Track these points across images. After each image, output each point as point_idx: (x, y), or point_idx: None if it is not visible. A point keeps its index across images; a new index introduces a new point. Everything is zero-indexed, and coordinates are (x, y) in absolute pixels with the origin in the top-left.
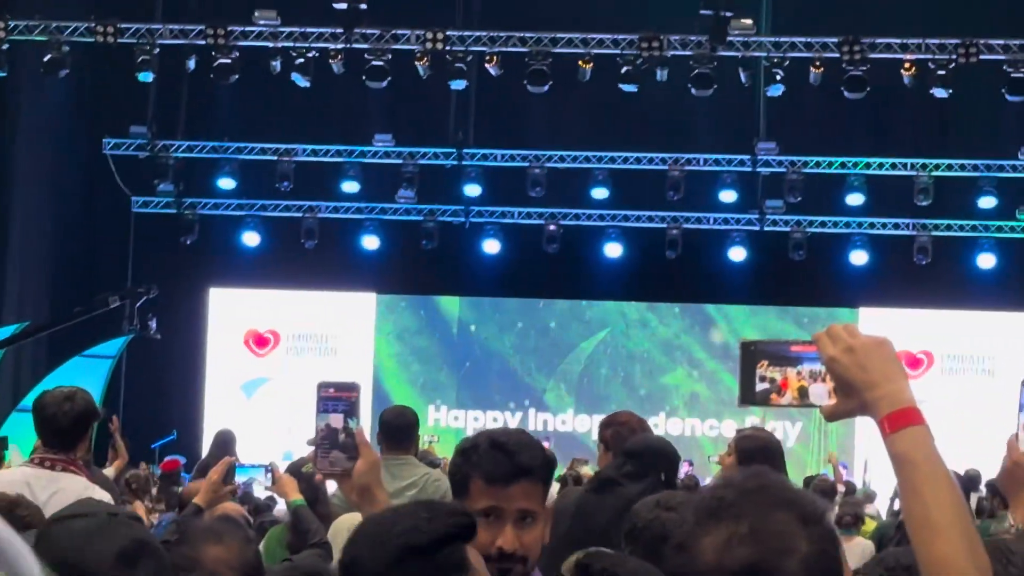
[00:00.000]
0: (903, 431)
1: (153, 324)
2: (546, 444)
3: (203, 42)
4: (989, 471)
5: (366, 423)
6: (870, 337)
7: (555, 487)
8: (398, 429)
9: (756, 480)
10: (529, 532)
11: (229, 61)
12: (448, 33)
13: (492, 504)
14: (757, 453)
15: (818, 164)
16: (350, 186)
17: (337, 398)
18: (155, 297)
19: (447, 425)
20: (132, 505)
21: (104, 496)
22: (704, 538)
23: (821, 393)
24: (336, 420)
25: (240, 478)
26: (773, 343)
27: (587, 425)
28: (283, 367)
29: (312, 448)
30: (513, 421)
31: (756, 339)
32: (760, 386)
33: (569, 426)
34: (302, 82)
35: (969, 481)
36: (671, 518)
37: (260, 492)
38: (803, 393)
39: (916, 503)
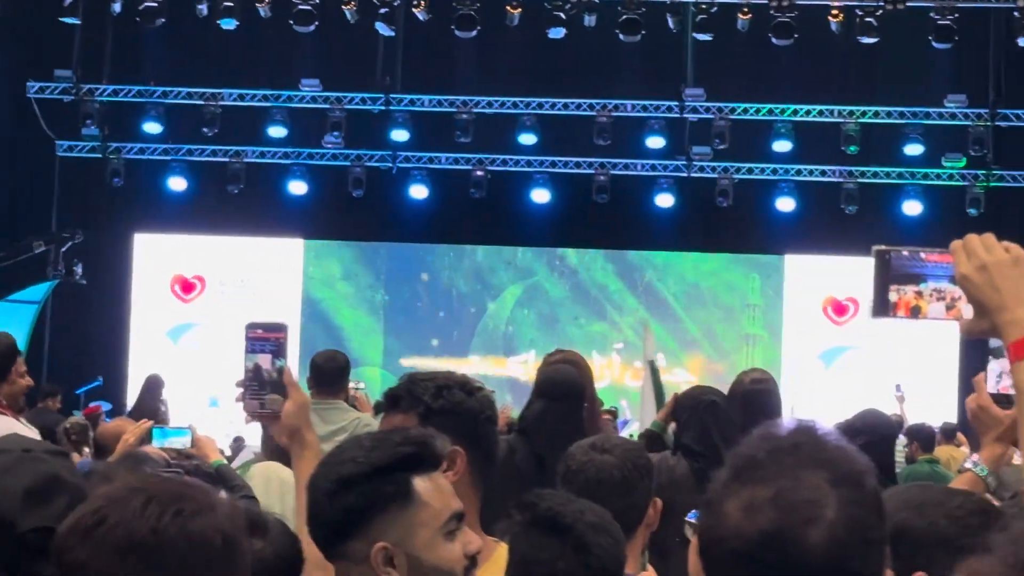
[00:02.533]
0: None
1: (79, 269)
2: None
3: None
4: (916, 413)
5: (294, 369)
6: (1008, 253)
7: None
8: (329, 373)
9: (792, 437)
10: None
11: (155, 4)
12: None
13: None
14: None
15: (745, 111)
16: (277, 131)
17: (264, 339)
18: (80, 242)
19: (376, 370)
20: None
21: (32, 433)
22: (729, 500)
23: (940, 312)
24: (264, 360)
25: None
26: (906, 252)
27: (516, 371)
28: (210, 313)
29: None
30: (439, 366)
31: (891, 247)
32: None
33: (498, 371)
34: (229, 25)
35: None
36: (605, 460)
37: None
38: (915, 312)
39: None
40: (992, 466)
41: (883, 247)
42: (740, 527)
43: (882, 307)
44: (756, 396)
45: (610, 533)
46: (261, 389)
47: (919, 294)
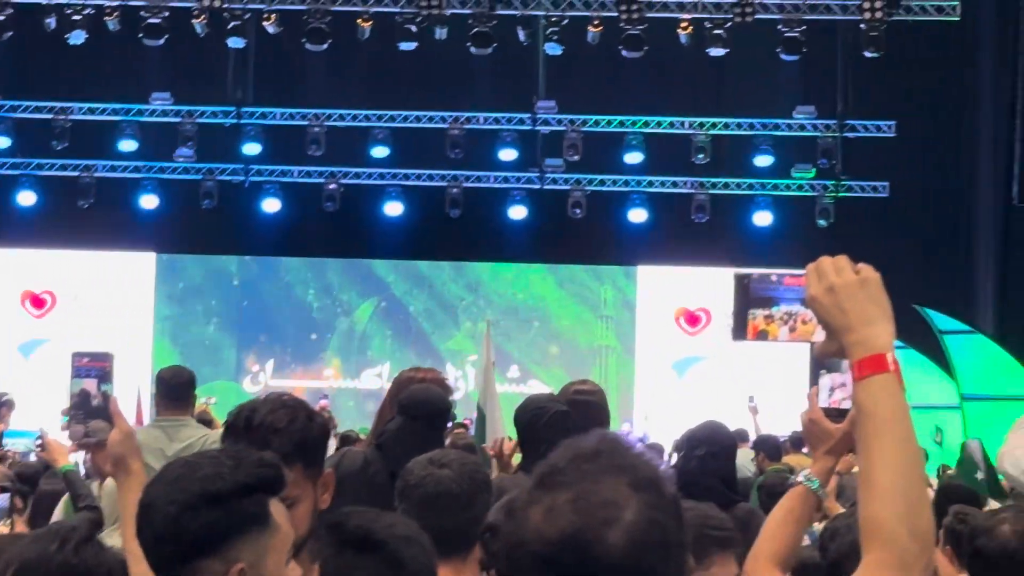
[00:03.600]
0: (868, 379)
1: None
2: (324, 403)
3: None
4: (770, 424)
5: (145, 385)
6: (856, 275)
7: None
8: (175, 388)
9: (593, 445)
10: (293, 515)
11: (3, 17)
12: None
13: None
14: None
15: (597, 122)
16: (128, 145)
17: (91, 366)
18: None
19: (230, 384)
20: None
21: None
22: (532, 507)
23: (785, 335)
24: (90, 385)
25: (16, 442)
26: (765, 278)
27: (369, 384)
28: (62, 328)
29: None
30: (294, 379)
31: (750, 271)
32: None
33: (350, 384)
34: (77, 39)
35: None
36: (443, 475)
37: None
38: (762, 335)
39: (863, 458)
40: (823, 479)
41: (742, 272)
42: (540, 530)
43: (740, 331)
44: (578, 407)
45: (422, 544)
46: (87, 416)
47: (769, 318)
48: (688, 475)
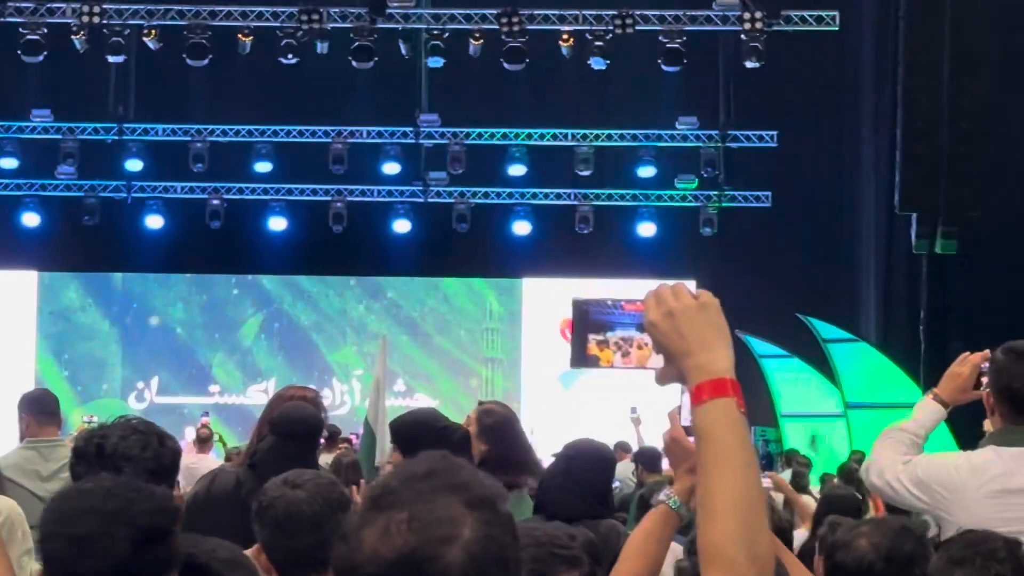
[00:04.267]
0: (707, 404)
1: None
2: (205, 419)
3: None
4: (652, 436)
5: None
6: (694, 300)
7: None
8: (45, 408)
9: (426, 465)
10: None
11: None
12: (104, 7)
13: None
14: (495, 426)
15: (480, 135)
16: (8, 162)
17: None
18: None
19: (114, 401)
20: None
21: None
22: (365, 529)
23: (618, 360)
24: None
25: None
26: (603, 303)
27: (257, 399)
28: None
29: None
30: (181, 399)
31: (588, 298)
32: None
33: (238, 400)
34: None
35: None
36: (296, 495)
37: None
38: (593, 361)
39: (702, 482)
40: (684, 497)
41: (581, 298)
42: (376, 551)
43: (580, 358)
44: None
45: (245, 568)
46: None
47: (603, 343)
48: (553, 491)
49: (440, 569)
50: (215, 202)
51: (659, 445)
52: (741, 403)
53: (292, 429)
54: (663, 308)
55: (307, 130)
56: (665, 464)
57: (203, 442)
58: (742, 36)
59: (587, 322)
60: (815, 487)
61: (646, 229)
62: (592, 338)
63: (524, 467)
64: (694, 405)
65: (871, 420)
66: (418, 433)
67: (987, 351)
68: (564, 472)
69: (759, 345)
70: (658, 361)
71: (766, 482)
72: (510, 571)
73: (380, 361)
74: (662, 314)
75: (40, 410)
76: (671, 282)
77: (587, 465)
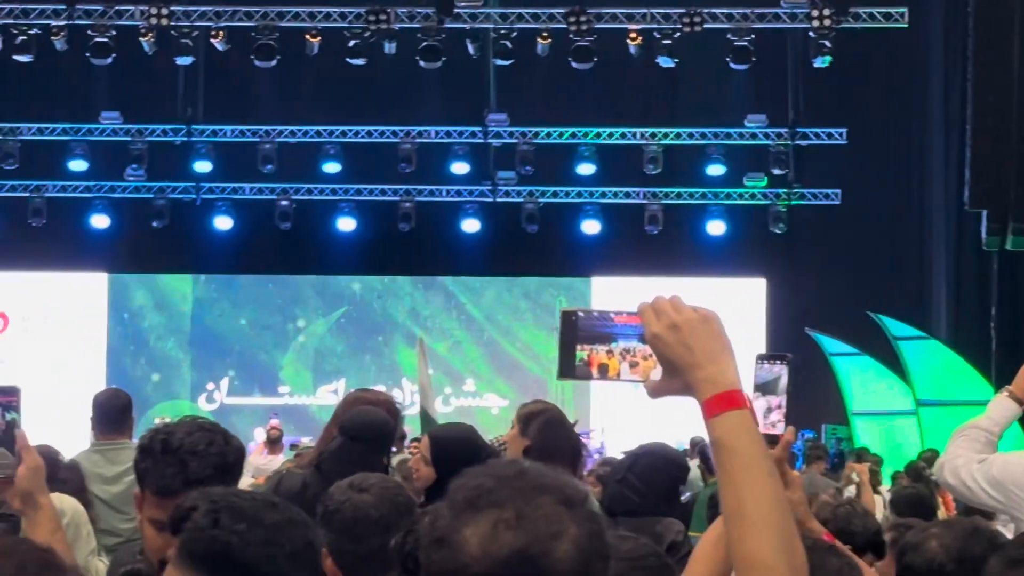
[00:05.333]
0: (723, 415)
1: None
2: (274, 420)
3: None
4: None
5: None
6: (697, 313)
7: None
8: (112, 411)
9: (514, 467)
10: None
11: None
12: (172, 8)
13: (162, 517)
14: (537, 424)
15: (548, 135)
16: (78, 164)
17: None
18: None
19: (185, 404)
20: None
21: None
22: (465, 529)
23: (626, 371)
24: None
25: None
26: (595, 315)
27: (327, 399)
28: (14, 350)
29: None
30: (251, 400)
31: (577, 308)
32: (579, 360)
33: (308, 402)
34: (25, 59)
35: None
36: (363, 499)
37: None
38: (603, 370)
39: (730, 493)
40: None
41: (569, 309)
42: (487, 550)
43: (567, 369)
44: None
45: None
46: None
47: (610, 353)
48: (615, 486)
49: (552, 563)
50: (284, 203)
51: None
52: (754, 415)
53: (360, 433)
54: (666, 320)
55: (375, 130)
56: None
57: (273, 443)
58: (811, 33)
59: (576, 334)
60: (886, 485)
61: (715, 228)
62: (601, 348)
63: (564, 464)
64: (708, 418)
65: (942, 417)
66: (454, 451)
67: None
68: (628, 468)
69: (830, 343)
70: (658, 373)
71: (853, 474)
72: (608, 565)
73: (420, 365)
74: (666, 327)
75: (108, 412)
76: (666, 294)
77: (652, 463)
